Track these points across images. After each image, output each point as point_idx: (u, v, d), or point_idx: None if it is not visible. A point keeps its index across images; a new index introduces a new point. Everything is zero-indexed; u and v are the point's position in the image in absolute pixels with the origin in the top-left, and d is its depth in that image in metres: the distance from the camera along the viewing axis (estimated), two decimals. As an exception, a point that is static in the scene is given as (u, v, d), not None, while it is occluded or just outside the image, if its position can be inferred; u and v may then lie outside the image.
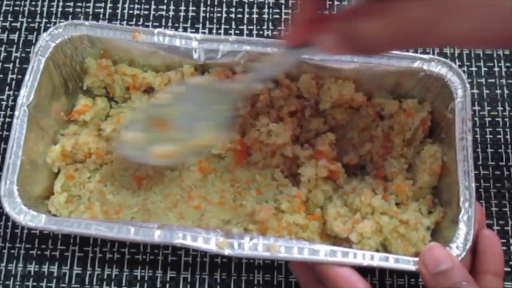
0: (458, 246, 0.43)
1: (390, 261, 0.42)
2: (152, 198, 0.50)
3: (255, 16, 0.60)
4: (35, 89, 0.47)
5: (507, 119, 0.56)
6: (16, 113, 0.46)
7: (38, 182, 0.49)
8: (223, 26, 0.60)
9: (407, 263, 0.42)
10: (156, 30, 0.50)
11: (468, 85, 0.48)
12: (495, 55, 0.59)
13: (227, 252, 0.43)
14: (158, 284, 0.51)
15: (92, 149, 0.50)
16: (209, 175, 0.51)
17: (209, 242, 0.43)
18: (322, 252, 0.42)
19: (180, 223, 0.48)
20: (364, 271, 0.50)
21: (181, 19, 0.60)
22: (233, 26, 0.60)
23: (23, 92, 0.47)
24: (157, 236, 0.43)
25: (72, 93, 0.53)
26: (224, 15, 0.60)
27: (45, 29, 0.59)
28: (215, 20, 0.60)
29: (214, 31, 0.60)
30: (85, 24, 0.50)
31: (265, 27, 0.60)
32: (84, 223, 0.44)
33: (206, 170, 0.51)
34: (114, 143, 0.49)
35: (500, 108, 0.57)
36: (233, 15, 0.60)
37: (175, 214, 0.49)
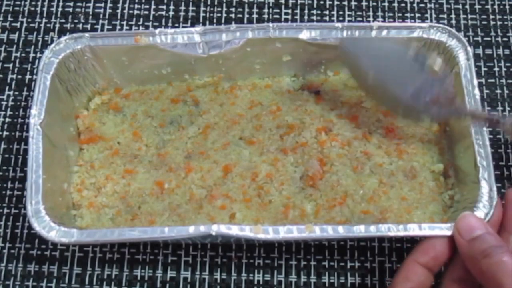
0: (484, 205, 0.44)
1: (424, 229, 0.43)
2: (176, 202, 0.50)
3: (255, 16, 0.60)
4: (45, 107, 0.47)
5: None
6: (31, 133, 0.46)
7: (60, 198, 0.49)
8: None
9: (440, 230, 0.43)
10: (157, 30, 0.50)
11: (470, 48, 0.49)
12: (495, 55, 0.59)
13: (262, 235, 0.43)
14: (158, 284, 0.51)
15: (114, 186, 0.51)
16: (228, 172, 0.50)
17: (244, 230, 0.43)
18: (356, 229, 0.43)
19: None
20: (364, 271, 0.51)
21: (181, 19, 0.60)
22: (233, 26, 0.60)
23: (33, 111, 0.47)
24: (191, 230, 0.43)
25: (79, 107, 0.53)
26: (224, 15, 0.60)
27: (45, 29, 0.60)
28: (215, 20, 0.60)
29: (214, 31, 0.60)
30: (85, 36, 0.50)
31: (265, 27, 0.60)
32: (117, 231, 0.44)
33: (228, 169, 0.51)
34: None
35: (500, 108, 0.57)
36: (233, 15, 0.60)
37: (205, 215, 0.49)
